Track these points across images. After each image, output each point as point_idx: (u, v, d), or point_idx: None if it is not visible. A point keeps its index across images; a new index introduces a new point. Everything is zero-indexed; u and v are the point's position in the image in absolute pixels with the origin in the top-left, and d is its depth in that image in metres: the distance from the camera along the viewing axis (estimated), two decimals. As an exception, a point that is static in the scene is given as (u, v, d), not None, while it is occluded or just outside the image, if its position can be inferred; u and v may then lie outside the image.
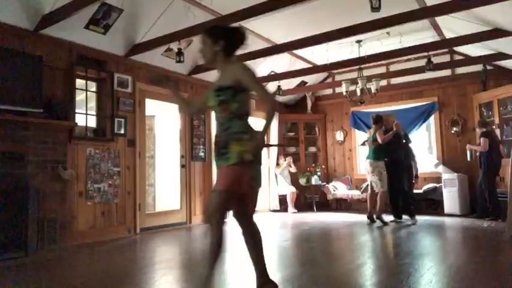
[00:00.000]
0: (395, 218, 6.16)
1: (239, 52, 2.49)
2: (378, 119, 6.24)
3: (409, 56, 6.69)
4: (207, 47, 2.44)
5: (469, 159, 6.61)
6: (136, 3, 4.92)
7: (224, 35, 2.43)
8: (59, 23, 4.43)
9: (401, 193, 6.10)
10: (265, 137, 2.48)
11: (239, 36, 2.45)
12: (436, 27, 6.10)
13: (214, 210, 2.27)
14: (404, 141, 6.30)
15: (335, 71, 8.25)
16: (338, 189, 8.24)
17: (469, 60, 7.09)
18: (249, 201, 2.44)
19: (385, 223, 5.84)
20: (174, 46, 5.46)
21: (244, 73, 2.36)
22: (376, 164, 5.99)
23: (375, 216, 6.01)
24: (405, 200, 6.12)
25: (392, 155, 6.05)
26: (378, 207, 5.98)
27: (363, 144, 6.81)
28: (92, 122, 5.28)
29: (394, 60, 7.31)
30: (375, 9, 4.02)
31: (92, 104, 5.34)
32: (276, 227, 6.38)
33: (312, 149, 9.06)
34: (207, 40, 2.44)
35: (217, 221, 2.27)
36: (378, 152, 6.03)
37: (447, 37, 6.31)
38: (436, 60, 6.47)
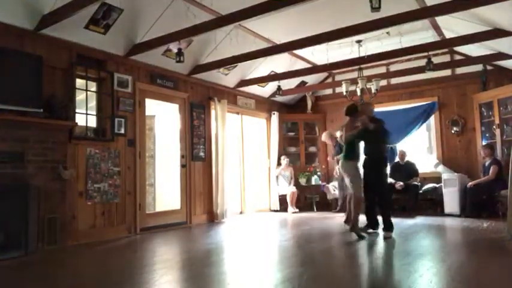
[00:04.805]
0: (369, 228, 5.14)
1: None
2: (349, 109, 5.28)
3: (409, 56, 6.68)
4: None
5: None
6: (136, 3, 4.92)
7: None
8: (59, 23, 4.43)
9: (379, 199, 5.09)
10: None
11: None
12: (436, 27, 6.10)
13: None
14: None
15: (335, 71, 8.25)
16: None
17: (469, 60, 7.10)
18: None
19: (360, 236, 4.76)
20: (174, 46, 5.46)
21: None
22: (347, 164, 5.02)
23: (349, 227, 5.08)
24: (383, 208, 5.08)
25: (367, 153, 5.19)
26: (348, 215, 5.24)
27: None
28: (92, 122, 5.28)
29: (394, 60, 7.30)
30: (375, 9, 4.01)
31: (92, 104, 5.34)
32: (276, 226, 6.38)
33: (312, 149, 9.05)
34: None
35: None
36: (349, 150, 5.07)
37: (447, 37, 6.31)
38: (436, 60, 6.45)
